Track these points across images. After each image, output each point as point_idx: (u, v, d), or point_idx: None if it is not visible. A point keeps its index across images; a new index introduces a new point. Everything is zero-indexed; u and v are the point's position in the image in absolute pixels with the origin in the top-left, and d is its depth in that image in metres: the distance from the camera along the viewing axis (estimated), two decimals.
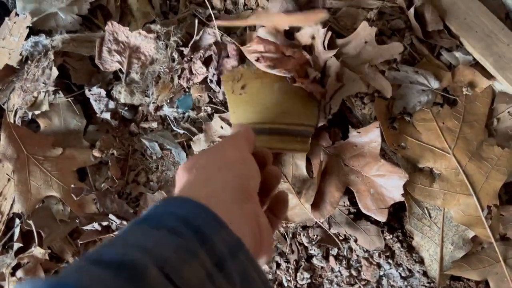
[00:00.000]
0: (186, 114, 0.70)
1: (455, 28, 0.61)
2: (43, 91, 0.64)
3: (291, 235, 0.64)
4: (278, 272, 0.63)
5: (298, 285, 0.62)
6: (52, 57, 0.64)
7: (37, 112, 0.64)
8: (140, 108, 0.71)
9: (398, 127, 0.62)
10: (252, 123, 0.60)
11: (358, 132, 0.61)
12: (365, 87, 0.58)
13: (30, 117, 0.65)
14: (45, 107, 0.64)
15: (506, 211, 0.58)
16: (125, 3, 0.77)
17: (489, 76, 0.61)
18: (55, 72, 0.63)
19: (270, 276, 0.63)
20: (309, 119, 0.61)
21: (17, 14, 0.72)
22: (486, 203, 0.57)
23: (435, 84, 0.61)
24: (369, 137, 0.60)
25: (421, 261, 0.60)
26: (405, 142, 0.61)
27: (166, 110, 0.70)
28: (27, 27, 0.71)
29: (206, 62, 0.68)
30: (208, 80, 0.68)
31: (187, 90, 0.70)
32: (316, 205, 0.60)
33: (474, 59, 0.62)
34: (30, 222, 0.62)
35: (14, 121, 0.66)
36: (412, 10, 0.61)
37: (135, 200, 0.68)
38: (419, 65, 0.62)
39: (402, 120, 0.62)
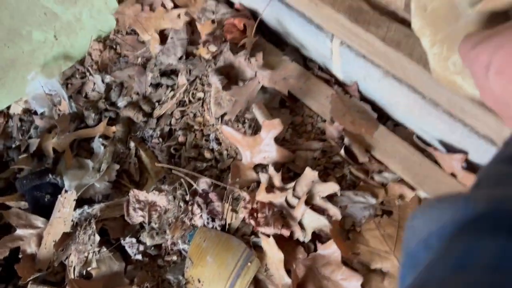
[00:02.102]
0: None
1: (380, 156, 0.82)
2: (91, 252, 0.89)
3: None
4: None
5: None
6: (94, 226, 0.89)
7: (89, 269, 0.88)
8: (162, 245, 0.94)
9: (352, 238, 0.81)
10: None
11: (323, 246, 0.81)
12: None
13: (84, 272, 0.89)
14: (93, 264, 0.88)
15: None
16: (141, 163, 1.03)
17: (413, 188, 0.80)
18: (97, 238, 0.88)
19: None
20: (240, 245, 0.84)
21: (66, 191, 0.98)
22: None
23: (372, 201, 0.81)
24: (331, 249, 0.80)
25: None
26: (358, 249, 0.80)
27: (181, 245, 0.92)
28: (74, 200, 0.97)
29: (200, 204, 0.91)
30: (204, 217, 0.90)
31: (195, 226, 0.92)
32: None
33: (399, 177, 0.81)
34: None
35: (74, 274, 0.90)
36: (342, 150, 0.82)
37: None
38: (359, 187, 0.82)
39: (354, 231, 0.81)
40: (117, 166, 1.00)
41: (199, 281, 0.86)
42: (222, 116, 0.93)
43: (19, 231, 0.97)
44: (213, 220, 0.90)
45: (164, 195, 0.92)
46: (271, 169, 0.81)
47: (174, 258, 0.93)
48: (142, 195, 0.93)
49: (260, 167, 0.89)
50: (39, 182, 1.00)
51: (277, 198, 0.83)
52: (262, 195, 0.84)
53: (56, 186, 1.00)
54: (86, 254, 0.89)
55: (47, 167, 1.03)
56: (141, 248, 0.93)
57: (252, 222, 0.85)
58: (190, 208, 0.91)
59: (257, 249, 0.87)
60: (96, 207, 0.93)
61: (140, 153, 1.03)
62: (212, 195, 0.89)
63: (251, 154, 0.88)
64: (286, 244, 0.84)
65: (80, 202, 0.97)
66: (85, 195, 0.99)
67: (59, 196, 0.99)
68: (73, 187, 0.98)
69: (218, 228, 0.90)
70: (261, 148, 0.86)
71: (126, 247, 0.93)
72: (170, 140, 1.01)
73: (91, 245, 0.89)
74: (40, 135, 1.09)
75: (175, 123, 1.02)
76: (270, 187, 0.84)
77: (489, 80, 0.34)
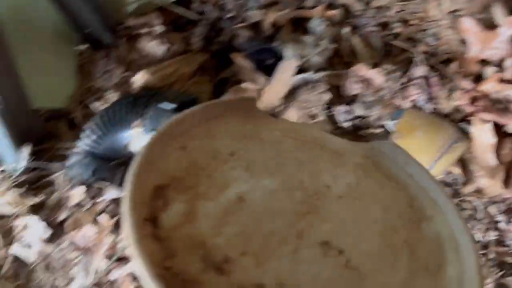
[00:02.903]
0: None
1: None
2: (315, 109, 1.03)
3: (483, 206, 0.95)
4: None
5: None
6: (324, 87, 1.02)
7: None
8: (369, 119, 1.07)
9: None
10: None
11: None
12: None
13: None
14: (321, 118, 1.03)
15: None
16: (353, 48, 1.15)
17: None
18: (326, 96, 1.02)
19: None
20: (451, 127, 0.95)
21: (286, 59, 1.12)
22: None
23: None
24: None
25: None
26: None
27: (386, 121, 1.05)
28: (295, 66, 1.10)
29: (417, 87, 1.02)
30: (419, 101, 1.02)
31: (403, 107, 1.04)
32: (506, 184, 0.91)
33: None
34: None
35: None
36: None
37: None
38: None
39: None
40: (333, 45, 1.13)
41: None
42: (453, 11, 1.02)
43: (244, 84, 1.13)
44: (426, 103, 1.01)
45: (382, 74, 1.04)
46: (509, 62, 0.90)
47: (377, 131, 1.06)
48: (362, 70, 1.05)
49: (484, 63, 0.98)
50: (262, 47, 1.15)
51: (503, 91, 0.93)
52: (487, 85, 0.94)
53: (277, 54, 1.14)
54: (309, 111, 1.04)
55: (269, 35, 1.16)
56: (350, 116, 1.07)
57: (470, 108, 0.95)
58: (405, 89, 1.03)
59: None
60: (320, 74, 1.07)
61: (352, 38, 1.14)
62: (432, 80, 1.00)
63: (480, 49, 0.97)
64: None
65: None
66: (301, 67, 1.12)
67: (280, 62, 1.13)
68: (293, 56, 1.12)
69: (429, 111, 1.01)
70: (493, 45, 0.94)
71: (336, 114, 1.07)
72: (386, 30, 1.12)
73: (316, 103, 1.03)
74: (259, 9, 1.22)
75: (393, 16, 1.12)
76: (497, 79, 0.93)
77: None
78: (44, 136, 1.28)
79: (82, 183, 1.20)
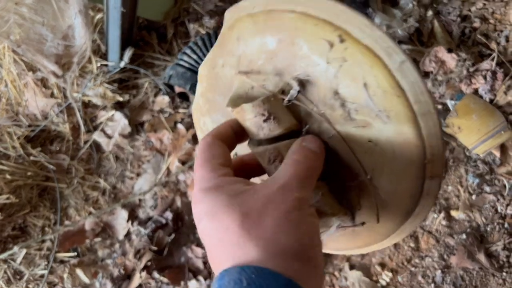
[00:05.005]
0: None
1: None
2: None
3: None
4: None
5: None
6: None
7: None
8: (433, 94, 1.25)
9: None
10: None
11: None
12: None
13: None
14: None
15: None
16: (432, 31, 1.30)
17: None
18: None
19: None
20: (501, 117, 1.13)
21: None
22: None
23: None
24: None
25: None
26: None
27: (448, 100, 1.24)
28: None
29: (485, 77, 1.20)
30: (480, 89, 1.20)
31: (464, 91, 1.23)
32: None
33: None
34: None
35: None
36: None
37: None
38: None
39: None
40: (416, 25, 1.28)
41: (459, 128, 1.19)
42: None
43: None
44: (485, 93, 1.20)
45: (456, 59, 1.21)
46: None
47: (439, 106, 1.25)
48: (441, 52, 1.22)
49: None
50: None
51: None
52: None
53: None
54: None
55: (364, 1, 1.30)
56: None
57: None
58: (471, 77, 1.21)
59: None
60: (402, 47, 1.23)
61: (434, 22, 1.30)
62: (499, 74, 1.18)
63: None
64: None
65: None
66: None
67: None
68: (383, 25, 1.27)
69: (487, 100, 1.20)
70: None
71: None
72: (465, 22, 1.28)
73: None
74: None
75: (474, 11, 1.27)
76: None
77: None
78: (136, 43, 1.40)
79: (166, 94, 1.35)
